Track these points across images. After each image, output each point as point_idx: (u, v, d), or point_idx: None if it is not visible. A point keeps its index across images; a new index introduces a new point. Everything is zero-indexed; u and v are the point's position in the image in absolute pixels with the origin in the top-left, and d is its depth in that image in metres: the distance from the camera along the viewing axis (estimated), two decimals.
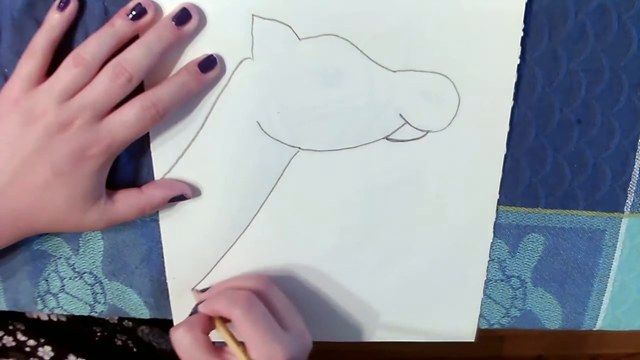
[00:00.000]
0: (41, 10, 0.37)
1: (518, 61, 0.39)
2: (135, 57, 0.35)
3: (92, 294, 0.45)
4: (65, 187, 0.37)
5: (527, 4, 0.38)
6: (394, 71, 0.39)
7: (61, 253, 0.44)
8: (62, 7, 0.36)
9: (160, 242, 0.43)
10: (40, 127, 0.35)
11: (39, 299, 0.45)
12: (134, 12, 0.35)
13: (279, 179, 0.41)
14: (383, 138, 0.41)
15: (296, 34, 0.38)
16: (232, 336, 0.38)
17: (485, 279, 0.46)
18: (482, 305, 0.47)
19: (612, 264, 0.46)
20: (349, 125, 0.40)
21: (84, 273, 0.45)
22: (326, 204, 0.42)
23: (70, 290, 0.45)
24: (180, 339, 0.38)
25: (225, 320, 0.39)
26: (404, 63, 0.39)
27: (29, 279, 0.44)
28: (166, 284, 0.44)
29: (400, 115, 0.40)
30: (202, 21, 0.37)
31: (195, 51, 0.38)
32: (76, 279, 0.45)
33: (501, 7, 0.38)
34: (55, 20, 0.36)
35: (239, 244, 0.43)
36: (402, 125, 0.40)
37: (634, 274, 0.46)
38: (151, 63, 0.36)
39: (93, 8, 0.37)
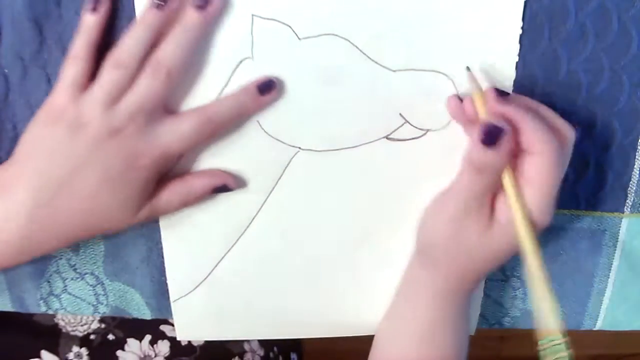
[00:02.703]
0: (41, 11, 0.37)
1: (517, 59, 0.39)
2: (167, 51, 0.35)
3: (95, 294, 0.45)
4: (115, 195, 0.36)
5: (527, 4, 0.38)
6: (394, 70, 0.39)
7: (61, 253, 0.44)
8: (95, 9, 0.36)
9: (160, 243, 0.43)
10: (89, 134, 0.35)
11: (41, 300, 0.45)
12: (160, 2, 0.35)
13: (279, 179, 0.41)
14: (383, 137, 0.41)
15: (296, 34, 0.38)
16: (516, 190, 0.35)
17: (486, 278, 0.46)
18: (482, 305, 0.47)
19: (612, 264, 0.46)
20: (349, 125, 0.40)
21: (86, 274, 0.45)
22: (326, 204, 0.42)
23: (73, 290, 0.45)
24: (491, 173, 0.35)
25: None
26: (404, 62, 0.39)
27: (31, 280, 0.44)
28: (167, 284, 0.44)
29: (400, 114, 0.40)
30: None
31: (195, 51, 0.37)
32: (78, 280, 0.45)
33: (500, 5, 0.38)
34: (91, 22, 0.36)
35: (239, 244, 0.43)
36: (402, 125, 0.40)
37: (634, 274, 0.46)
38: (186, 54, 0.36)
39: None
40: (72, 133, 0.35)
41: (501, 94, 0.36)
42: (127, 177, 0.36)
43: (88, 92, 0.35)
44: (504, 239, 0.37)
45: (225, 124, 0.38)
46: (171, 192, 0.39)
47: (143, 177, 0.36)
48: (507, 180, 0.36)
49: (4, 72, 0.38)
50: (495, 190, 0.37)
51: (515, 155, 0.36)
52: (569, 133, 0.36)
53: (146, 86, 0.35)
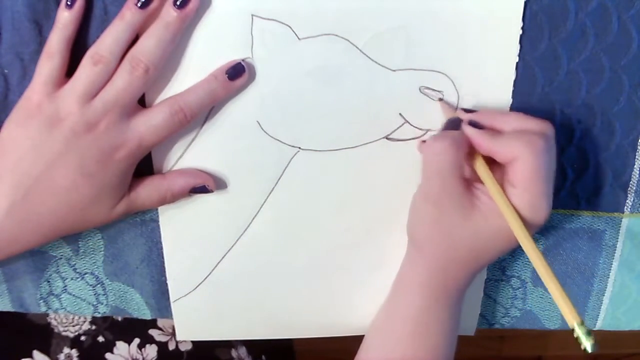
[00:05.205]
0: (41, 11, 0.37)
1: (517, 59, 0.39)
2: (146, 47, 0.35)
3: (95, 294, 0.45)
4: (93, 188, 0.37)
5: (527, 4, 0.38)
6: (394, 70, 0.39)
7: (61, 253, 0.44)
8: (70, 5, 0.36)
9: (160, 242, 0.43)
10: (66, 129, 0.35)
11: (41, 300, 0.45)
12: (141, 1, 0.35)
13: (279, 179, 0.41)
14: (383, 137, 0.41)
15: (296, 34, 0.38)
16: (492, 176, 0.37)
17: (485, 278, 0.46)
18: (482, 305, 0.47)
19: (612, 264, 0.46)
20: (349, 125, 0.40)
21: (85, 274, 0.45)
22: (326, 204, 0.42)
23: (73, 290, 0.45)
24: (441, 152, 0.37)
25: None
26: (404, 62, 0.39)
27: (31, 280, 0.44)
28: (167, 284, 0.44)
29: (400, 114, 0.40)
30: (204, 1, 0.37)
31: (195, 51, 0.38)
32: (78, 280, 0.45)
33: (500, 5, 0.38)
34: (65, 19, 0.36)
35: (239, 244, 0.43)
36: (402, 125, 0.40)
37: (634, 274, 0.46)
38: (163, 51, 0.36)
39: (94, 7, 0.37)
40: (49, 128, 0.35)
41: (468, 111, 0.39)
42: (104, 171, 0.36)
43: (65, 87, 0.36)
44: (486, 228, 0.37)
45: (197, 112, 0.38)
46: (151, 188, 0.39)
47: (120, 170, 0.37)
48: (481, 171, 0.37)
49: (3, 72, 0.38)
50: (471, 177, 0.38)
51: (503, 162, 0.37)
52: (546, 128, 0.37)
53: (123, 81, 0.35)
